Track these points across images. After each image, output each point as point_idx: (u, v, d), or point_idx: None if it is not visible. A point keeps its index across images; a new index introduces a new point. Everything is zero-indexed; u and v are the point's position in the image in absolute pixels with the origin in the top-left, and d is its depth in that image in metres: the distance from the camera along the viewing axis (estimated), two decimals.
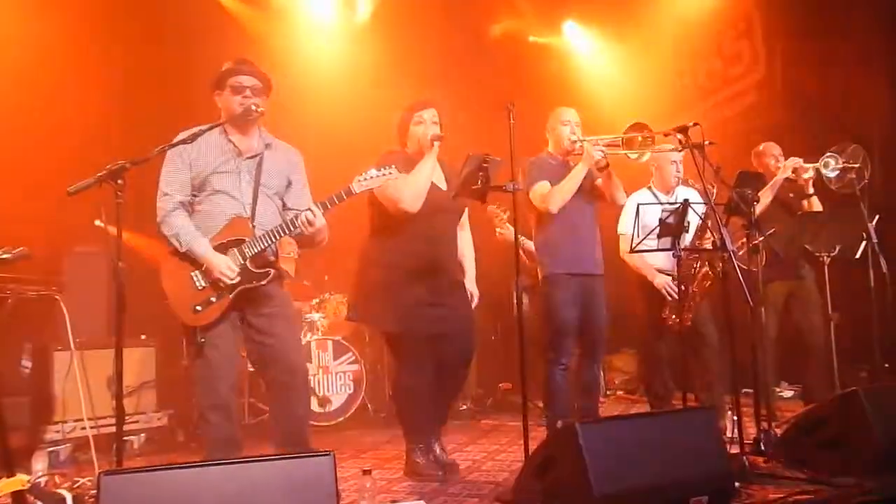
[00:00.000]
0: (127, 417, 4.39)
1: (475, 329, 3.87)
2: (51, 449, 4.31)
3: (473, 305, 3.88)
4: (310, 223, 3.11)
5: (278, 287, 3.27)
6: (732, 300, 3.56)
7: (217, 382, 3.12)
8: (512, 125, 3.36)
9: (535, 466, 2.88)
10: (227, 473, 2.23)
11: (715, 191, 3.78)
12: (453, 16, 6.85)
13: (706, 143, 3.54)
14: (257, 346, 3.24)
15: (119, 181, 2.76)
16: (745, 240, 3.88)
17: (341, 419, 5.46)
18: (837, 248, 4.47)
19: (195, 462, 2.39)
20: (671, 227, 3.80)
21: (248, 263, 3.13)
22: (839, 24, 5.95)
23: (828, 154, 4.64)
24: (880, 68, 5.80)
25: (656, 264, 4.42)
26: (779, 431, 3.70)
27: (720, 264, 4.17)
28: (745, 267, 3.67)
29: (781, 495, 2.93)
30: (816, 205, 4.80)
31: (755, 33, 6.74)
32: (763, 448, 3.55)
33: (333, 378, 5.54)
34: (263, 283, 3.16)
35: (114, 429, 2.93)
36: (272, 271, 3.19)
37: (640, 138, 3.99)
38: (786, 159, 4.82)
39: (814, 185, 4.77)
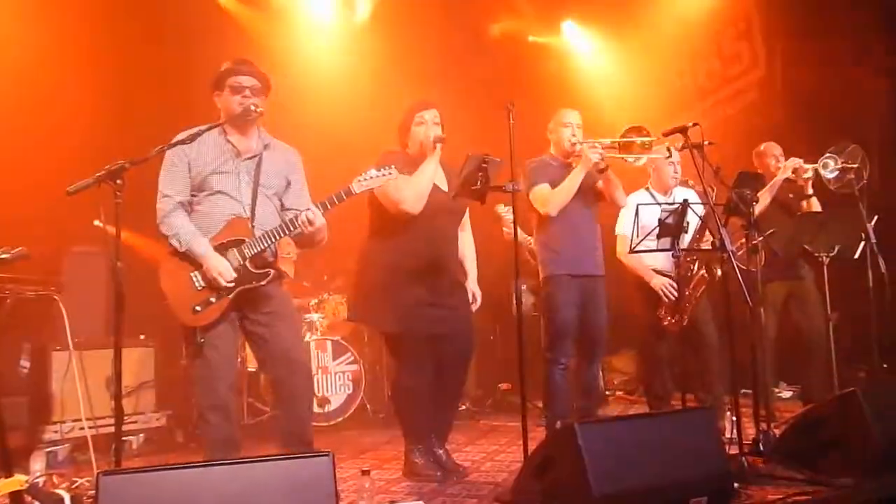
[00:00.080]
0: (126, 418, 4.40)
1: (474, 329, 3.87)
2: (49, 449, 4.31)
3: (476, 306, 3.88)
4: (310, 223, 3.11)
5: (278, 287, 3.27)
6: (732, 300, 3.56)
7: (216, 383, 3.12)
8: (511, 125, 3.35)
9: (534, 467, 2.88)
10: (227, 474, 2.23)
11: (715, 192, 3.78)
12: (453, 16, 6.85)
13: (706, 143, 3.54)
14: (259, 345, 3.25)
15: (118, 181, 2.76)
16: (744, 240, 3.88)
17: (340, 419, 5.46)
18: (836, 249, 4.47)
19: (194, 462, 2.39)
20: (670, 227, 3.80)
21: (247, 264, 3.13)
22: (839, 25, 5.95)
23: (827, 155, 4.64)
24: (880, 68, 5.80)
25: (653, 265, 4.42)
26: (778, 432, 3.70)
27: (718, 266, 4.19)
28: (744, 267, 3.67)
29: (780, 496, 2.93)
30: (816, 205, 4.80)
31: (755, 33, 6.74)
32: (762, 449, 3.55)
33: (332, 378, 5.54)
34: (263, 283, 3.16)
35: (112, 429, 2.93)
36: (271, 272, 3.19)
37: (638, 141, 3.99)
38: (786, 159, 4.82)
39: (813, 186, 4.78)
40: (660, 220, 3.81)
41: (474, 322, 3.89)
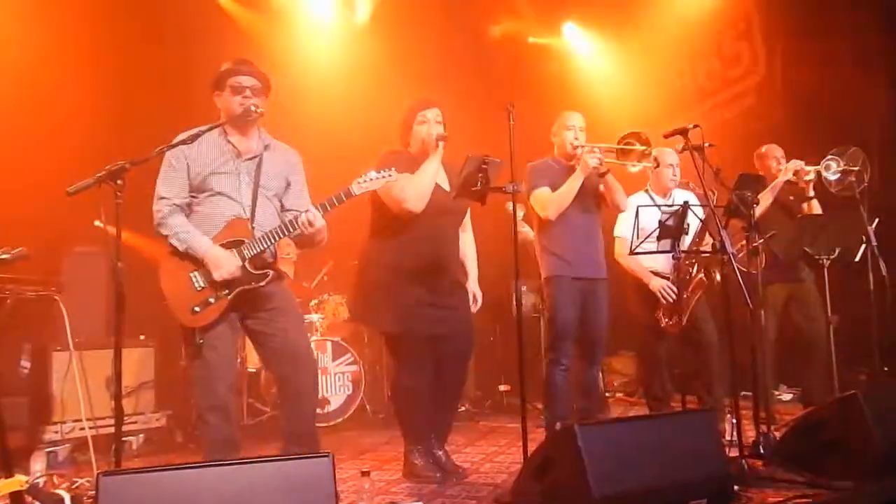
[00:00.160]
0: (126, 418, 4.40)
1: (474, 330, 3.87)
2: (49, 449, 4.31)
3: (477, 307, 3.88)
4: (310, 224, 3.11)
5: (279, 285, 3.27)
6: (732, 302, 3.56)
7: (215, 383, 3.12)
8: (512, 126, 3.35)
9: (533, 468, 2.88)
10: (226, 474, 2.23)
11: (716, 194, 3.78)
12: (453, 16, 6.85)
13: (706, 144, 3.54)
14: (263, 342, 3.25)
15: (118, 181, 2.76)
16: (744, 242, 3.88)
17: (340, 420, 5.46)
18: (837, 251, 4.47)
19: (194, 463, 2.39)
20: (671, 229, 3.80)
21: (246, 264, 3.13)
22: (839, 25, 5.95)
23: (829, 157, 4.64)
24: (880, 70, 5.80)
25: (652, 267, 4.42)
26: (778, 434, 3.70)
27: (717, 269, 4.19)
28: (744, 269, 3.67)
29: (780, 499, 2.93)
30: (816, 207, 4.80)
31: (755, 34, 6.74)
32: (762, 451, 3.55)
33: (332, 379, 5.54)
34: (262, 284, 3.16)
35: (112, 429, 2.93)
36: (271, 273, 3.19)
37: (638, 148, 3.99)
38: (787, 161, 4.82)
39: (813, 188, 4.77)
40: (660, 221, 3.81)
41: (474, 322, 3.89)
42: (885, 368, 4.64)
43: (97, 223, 2.90)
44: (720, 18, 6.95)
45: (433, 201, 3.58)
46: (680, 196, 4.37)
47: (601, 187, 4.19)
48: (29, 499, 3.03)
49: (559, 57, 7.65)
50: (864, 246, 4.30)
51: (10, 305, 3.80)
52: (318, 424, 5.10)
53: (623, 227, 4.49)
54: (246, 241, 3.13)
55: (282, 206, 3.35)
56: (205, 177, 3.16)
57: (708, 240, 4.16)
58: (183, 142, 3.08)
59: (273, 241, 3.17)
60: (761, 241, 4.00)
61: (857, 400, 3.12)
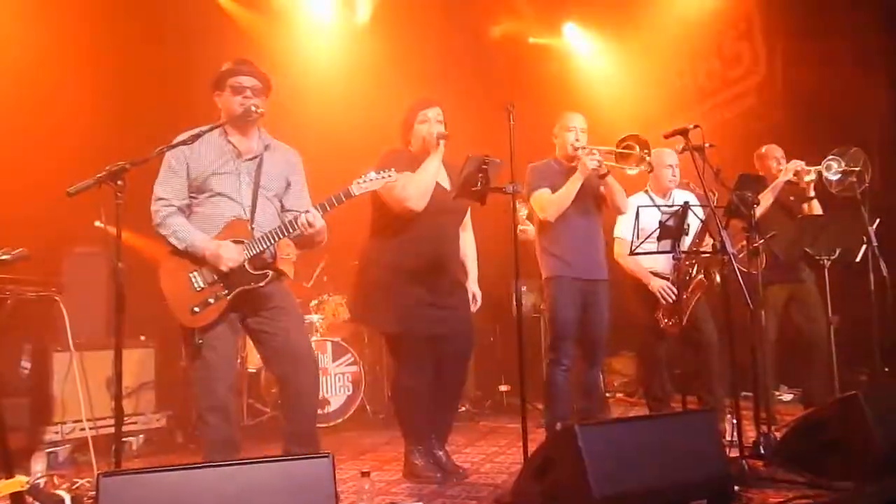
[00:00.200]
0: (126, 418, 4.40)
1: (473, 330, 3.87)
2: (50, 450, 4.31)
3: (476, 307, 3.88)
4: (310, 225, 3.11)
5: (278, 285, 3.27)
6: (732, 303, 3.56)
7: (215, 384, 3.12)
8: (512, 126, 3.35)
9: (534, 469, 2.88)
10: (226, 475, 2.23)
11: (716, 195, 3.78)
12: (453, 17, 6.85)
13: (706, 145, 3.53)
14: (264, 341, 3.25)
15: (119, 182, 2.76)
16: (744, 242, 3.88)
17: (340, 420, 5.46)
18: (838, 252, 4.47)
19: (194, 464, 2.39)
20: (671, 229, 3.80)
21: (246, 265, 3.13)
22: (839, 25, 5.95)
23: (830, 157, 4.64)
24: (881, 70, 5.80)
25: (652, 267, 4.42)
26: (778, 435, 3.70)
27: (717, 270, 4.19)
28: (745, 269, 3.66)
29: (781, 499, 2.93)
30: (817, 208, 4.80)
31: (755, 34, 6.74)
32: (762, 451, 3.55)
33: (332, 380, 5.54)
34: (261, 284, 3.16)
35: (113, 430, 2.93)
36: (270, 273, 3.19)
37: (637, 149, 3.99)
38: (787, 162, 4.82)
39: (814, 189, 4.77)
40: (660, 222, 3.81)
41: (474, 322, 3.89)
42: (886, 369, 4.64)
43: (97, 223, 2.90)
44: (720, 19, 6.95)
45: (434, 200, 3.58)
46: (680, 196, 4.38)
47: (602, 189, 4.19)
48: (29, 499, 3.04)
49: (559, 57, 7.65)
50: (864, 246, 4.30)
51: (11, 306, 3.80)
52: (318, 425, 5.11)
53: (623, 228, 4.49)
54: (246, 241, 3.13)
55: (282, 206, 3.35)
56: (205, 177, 3.16)
57: (708, 240, 4.16)
58: (183, 142, 3.07)
59: (273, 241, 3.17)
60: (762, 241, 4.00)
61: (858, 400, 3.12)
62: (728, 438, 3.57)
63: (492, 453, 4.35)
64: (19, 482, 2.85)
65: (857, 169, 4.52)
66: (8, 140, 4.84)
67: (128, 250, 2.87)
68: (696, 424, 2.93)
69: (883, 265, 4.23)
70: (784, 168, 4.78)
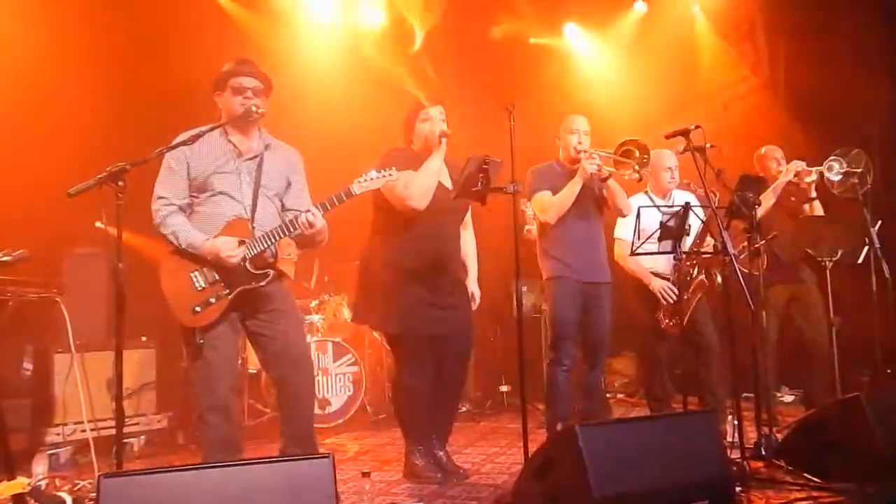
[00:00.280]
0: (127, 420, 4.40)
1: (473, 329, 3.87)
2: (51, 451, 4.31)
3: (475, 306, 3.88)
4: (310, 225, 3.11)
5: (279, 286, 3.27)
6: (733, 304, 3.55)
7: (216, 384, 3.12)
8: (512, 127, 3.35)
9: (534, 469, 2.88)
10: (227, 475, 2.23)
11: (717, 196, 3.78)
12: (453, 17, 6.84)
13: (708, 146, 3.53)
14: (262, 344, 3.25)
15: (119, 183, 2.76)
16: (746, 243, 3.87)
17: (341, 421, 5.46)
18: (839, 253, 4.46)
19: (195, 464, 2.39)
20: (672, 230, 3.79)
21: (247, 264, 3.13)
22: (841, 26, 5.95)
23: (831, 157, 4.63)
24: (882, 70, 5.80)
25: (653, 268, 4.42)
26: (780, 436, 3.70)
27: (718, 271, 4.19)
28: (746, 270, 3.66)
29: (782, 500, 2.93)
30: (818, 209, 4.79)
31: (757, 35, 6.74)
32: (763, 452, 3.55)
33: (333, 380, 5.54)
34: (262, 284, 3.16)
35: (114, 431, 2.93)
36: (271, 272, 3.19)
37: (637, 153, 3.99)
38: (787, 163, 4.82)
39: (815, 190, 4.77)
40: (661, 222, 3.80)
41: (474, 322, 3.89)
42: (888, 370, 4.63)
43: (98, 224, 2.90)
44: (722, 19, 6.95)
45: (435, 199, 3.58)
46: (680, 197, 4.38)
47: (603, 192, 4.19)
48: (31, 501, 3.04)
49: (560, 57, 7.63)
50: (866, 248, 4.30)
51: (12, 307, 3.80)
52: (319, 425, 5.15)
53: (623, 229, 4.49)
54: (247, 241, 3.13)
55: (282, 205, 3.35)
56: (206, 177, 3.16)
57: (709, 241, 4.16)
58: (184, 142, 3.08)
59: (273, 240, 3.17)
60: (763, 242, 4.00)
61: (860, 401, 3.12)
62: (729, 439, 3.57)
63: (492, 454, 4.34)
64: (21, 484, 2.85)
65: (858, 170, 4.51)
66: (8, 141, 4.84)
67: (128, 251, 2.87)
68: (697, 425, 2.93)
69: (885, 266, 4.23)
70: (785, 169, 4.77)
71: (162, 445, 4.92)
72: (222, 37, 5.76)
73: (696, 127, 3.56)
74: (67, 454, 4.41)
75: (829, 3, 5.94)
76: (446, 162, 3.70)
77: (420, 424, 3.73)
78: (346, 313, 5.86)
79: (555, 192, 4.12)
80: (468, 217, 3.94)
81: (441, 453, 3.73)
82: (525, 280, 3.45)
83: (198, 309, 3.08)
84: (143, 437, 4.87)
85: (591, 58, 7.60)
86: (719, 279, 4.17)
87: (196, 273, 3.11)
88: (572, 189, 4.03)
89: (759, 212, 3.88)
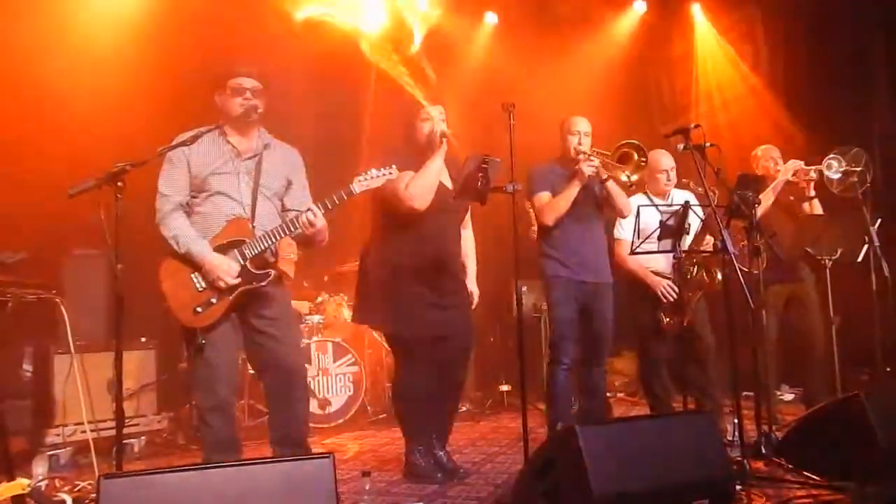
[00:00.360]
0: (127, 420, 4.40)
1: (473, 329, 3.87)
2: (51, 452, 4.31)
3: (474, 305, 3.88)
4: (311, 224, 3.11)
5: (278, 288, 3.27)
6: (733, 303, 3.55)
7: (217, 384, 3.12)
8: (512, 125, 3.35)
9: (534, 469, 2.88)
10: (227, 476, 2.24)
11: (717, 194, 3.78)
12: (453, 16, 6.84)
13: (707, 145, 3.53)
14: (257, 348, 3.24)
15: (119, 183, 2.77)
16: (745, 242, 3.87)
17: (341, 421, 5.46)
18: (839, 252, 4.46)
19: (195, 465, 2.39)
20: (672, 229, 3.80)
21: (247, 264, 3.13)
22: (840, 26, 5.95)
23: (830, 156, 4.63)
24: (881, 69, 5.80)
25: (653, 267, 4.42)
26: (780, 434, 3.70)
27: (718, 269, 4.18)
28: (745, 269, 3.66)
29: (782, 499, 2.93)
30: (817, 207, 4.79)
31: (757, 35, 6.74)
32: (764, 451, 3.55)
33: (333, 380, 5.54)
34: (263, 283, 3.16)
35: (114, 432, 2.93)
36: (272, 272, 3.19)
37: (635, 156, 3.99)
38: (785, 162, 4.81)
39: (815, 188, 4.77)
40: (661, 221, 3.80)
41: (474, 322, 3.89)
42: (888, 369, 4.63)
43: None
44: (723, 19, 6.96)
45: (436, 199, 3.57)
46: (679, 196, 4.37)
47: (603, 193, 4.19)
48: (31, 502, 3.04)
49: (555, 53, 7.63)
50: (866, 246, 4.29)
51: (12, 308, 3.80)
52: (319, 425, 5.16)
53: (622, 230, 4.49)
54: (247, 240, 3.13)
55: (282, 205, 3.35)
56: (205, 177, 3.17)
57: (708, 240, 4.16)
58: (183, 143, 3.08)
59: (274, 240, 3.17)
60: (762, 241, 4.00)
61: (860, 400, 3.12)
62: (729, 438, 3.56)
63: (492, 453, 4.34)
64: (21, 485, 2.85)
65: (858, 169, 4.51)
66: (8, 142, 4.84)
67: (128, 252, 2.87)
68: (697, 424, 2.93)
69: (885, 265, 4.23)
70: (783, 168, 4.77)
71: (162, 446, 4.92)
72: (223, 36, 5.75)
73: (696, 126, 3.56)
74: (67, 455, 4.41)
75: (830, 4, 5.95)
76: (446, 161, 3.70)
77: (420, 424, 3.73)
78: (346, 313, 5.86)
79: (554, 193, 4.12)
80: (467, 216, 3.94)
81: (441, 453, 3.73)
82: (525, 280, 3.45)
83: (199, 309, 3.08)
84: (143, 437, 4.87)
85: (590, 57, 7.59)
86: (719, 276, 4.17)
87: (197, 274, 3.10)
88: (570, 192, 4.04)
89: (759, 211, 3.87)
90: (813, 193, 4.76)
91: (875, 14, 5.78)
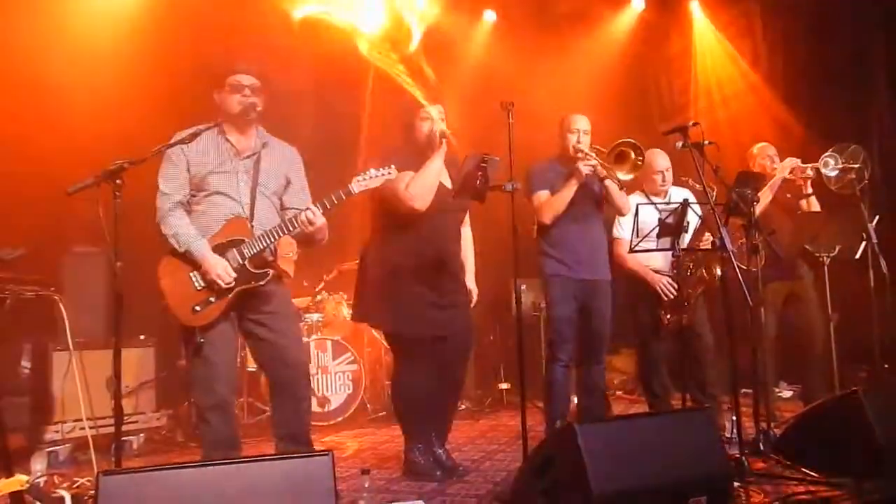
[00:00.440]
0: (126, 417, 4.40)
1: (473, 328, 3.87)
2: (50, 449, 4.32)
3: (473, 303, 3.88)
4: (310, 223, 3.10)
5: (278, 286, 3.27)
6: (732, 300, 3.56)
7: (215, 382, 3.12)
8: (511, 124, 3.35)
9: (533, 467, 2.88)
10: (226, 473, 2.24)
11: (715, 191, 3.78)
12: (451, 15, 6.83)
13: (705, 142, 3.53)
14: (259, 344, 3.24)
15: (118, 181, 2.77)
16: (743, 240, 3.88)
17: (340, 419, 5.47)
18: (837, 249, 4.47)
19: (194, 462, 2.39)
20: (670, 227, 3.80)
21: (246, 264, 3.13)
22: (840, 24, 5.95)
23: (827, 154, 4.63)
24: (881, 67, 5.80)
25: (651, 265, 4.42)
26: (778, 432, 3.70)
27: (717, 266, 4.19)
28: (744, 267, 3.66)
29: (780, 496, 2.93)
30: (815, 205, 4.79)
31: (755, 32, 6.74)
32: (762, 448, 3.55)
33: (332, 378, 5.54)
34: (262, 283, 3.16)
35: (113, 429, 2.93)
36: (270, 272, 3.19)
37: (632, 155, 3.99)
38: (782, 160, 4.82)
39: (813, 186, 4.77)
40: (660, 219, 3.81)
41: (474, 320, 3.89)
42: (886, 366, 4.64)
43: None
44: (721, 16, 6.96)
45: (436, 199, 3.57)
46: (677, 194, 4.38)
47: (602, 191, 4.19)
48: (30, 499, 3.04)
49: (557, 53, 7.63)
50: (864, 243, 4.30)
51: (10, 305, 3.80)
52: (318, 423, 5.17)
53: (621, 229, 4.49)
54: (245, 240, 3.13)
55: (281, 204, 3.35)
56: (203, 176, 3.16)
57: (706, 237, 4.17)
58: (181, 141, 3.08)
59: (273, 239, 3.17)
60: (761, 238, 4.00)
61: (858, 397, 3.13)
62: (728, 435, 3.56)
63: (491, 451, 4.35)
64: (19, 481, 2.85)
65: (856, 166, 4.51)
66: (7, 138, 4.83)
67: (127, 250, 2.87)
68: (696, 421, 2.93)
69: (883, 262, 4.23)
70: (780, 166, 4.77)
71: (161, 443, 4.93)
72: (223, 35, 5.75)
73: (695, 123, 3.57)
74: (66, 452, 4.42)
75: (829, 2, 5.95)
76: (446, 161, 3.70)
77: (419, 422, 3.73)
78: (346, 311, 5.86)
79: (553, 192, 4.12)
80: (466, 215, 3.94)
81: (440, 451, 3.73)
82: (524, 279, 3.45)
83: (198, 308, 3.08)
84: (142, 434, 4.88)
85: (589, 55, 7.59)
86: (718, 272, 4.18)
87: (196, 272, 3.10)
88: (567, 191, 4.04)
89: (758, 208, 3.88)
90: (810, 191, 4.76)
91: (875, 13, 5.78)
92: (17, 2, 5.03)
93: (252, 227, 3.17)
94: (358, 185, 3.21)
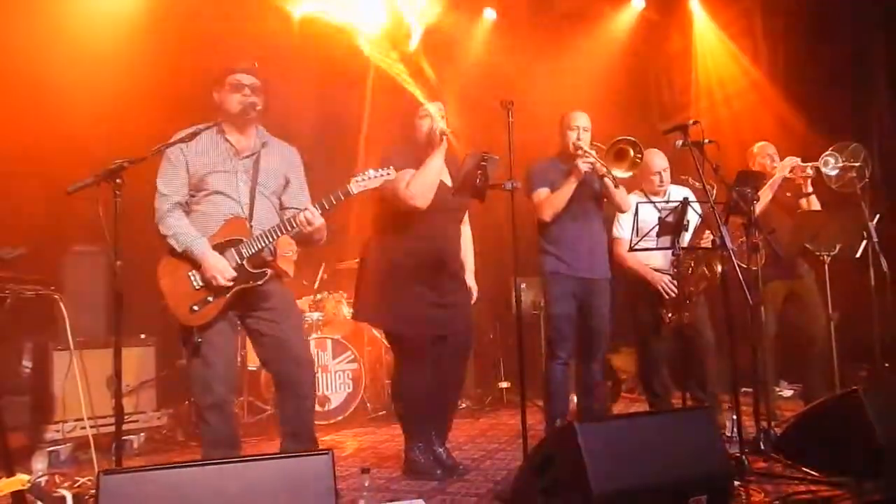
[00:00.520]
0: (126, 417, 4.41)
1: (473, 327, 3.87)
2: (51, 448, 4.32)
3: (473, 301, 3.88)
4: (309, 222, 3.10)
5: (277, 285, 3.27)
6: (732, 299, 3.56)
7: (214, 382, 3.11)
8: (511, 123, 3.34)
9: (533, 465, 2.88)
10: (227, 472, 2.24)
11: (715, 190, 3.78)
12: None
13: (705, 141, 3.53)
14: (261, 340, 3.24)
15: (118, 180, 2.77)
16: (743, 239, 3.88)
17: (340, 418, 5.47)
18: (838, 248, 4.46)
19: (194, 461, 2.39)
20: (670, 225, 3.80)
21: (245, 263, 3.12)
22: (840, 23, 5.94)
23: (827, 153, 4.63)
24: (881, 67, 5.80)
25: (651, 264, 4.42)
26: (778, 431, 3.70)
27: (718, 264, 4.18)
28: (744, 266, 3.66)
29: (780, 495, 2.93)
30: (815, 203, 4.79)
31: (756, 31, 6.73)
32: (762, 447, 3.55)
33: (332, 377, 5.55)
34: (260, 283, 3.15)
35: (113, 428, 2.93)
36: (269, 272, 3.18)
37: (631, 152, 3.99)
38: (782, 159, 4.81)
39: (814, 184, 4.77)
40: (660, 218, 3.81)
41: (474, 319, 3.89)
42: (886, 365, 4.64)
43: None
44: (722, 14, 6.95)
45: (436, 198, 3.57)
46: (678, 192, 4.38)
47: (602, 188, 4.19)
48: (31, 498, 3.04)
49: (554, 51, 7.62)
50: (865, 242, 4.30)
51: (11, 305, 3.80)
52: (318, 422, 5.14)
53: (621, 228, 4.50)
54: (244, 239, 3.13)
55: (280, 203, 3.35)
56: (202, 175, 3.16)
57: (706, 236, 4.16)
58: (181, 140, 3.08)
59: (271, 239, 3.16)
60: (761, 237, 4.00)
61: (858, 396, 3.13)
62: (728, 434, 3.56)
63: (492, 450, 4.35)
64: (20, 481, 2.85)
65: (856, 164, 4.51)
66: (7, 137, 4.83)
67: (127, 249, 2.87)
68: (696, 420, 2.93)
69: (883, 261, 4.23)
70: (780, 165, 4.77)
71: (161, 442, 4.93)
72: (223, 34, 5.75)
73: (695, 122, 3.56)
74: (67, 451, 4.42)
75: (829, 2, 5.94)
76: (446, 160, 3.69)
77: (419, 421, 3.73)
78: (346, 310, 5.86)
79: (553, 189, 4.12)
80: (465, 214, 3.94)
81: (440, 450, 3.74)
82: (524, 277, 3.45)
83: (196, 307, 3.08)
84: (142, 434, 4.88)
85: (589, 54, 7.59)
86: (719, 269, 4.18)
87: (194, 272, 3.10)
88: (567, 188, 4.04)
89: (758, 207, 3.87)
90: (810, 190, 4.76)
91: (875, 13, 5.77)
92: (16, 2, 5.03)
93: (251, 226, 3.17)
94: (356, 185, 3.21)
